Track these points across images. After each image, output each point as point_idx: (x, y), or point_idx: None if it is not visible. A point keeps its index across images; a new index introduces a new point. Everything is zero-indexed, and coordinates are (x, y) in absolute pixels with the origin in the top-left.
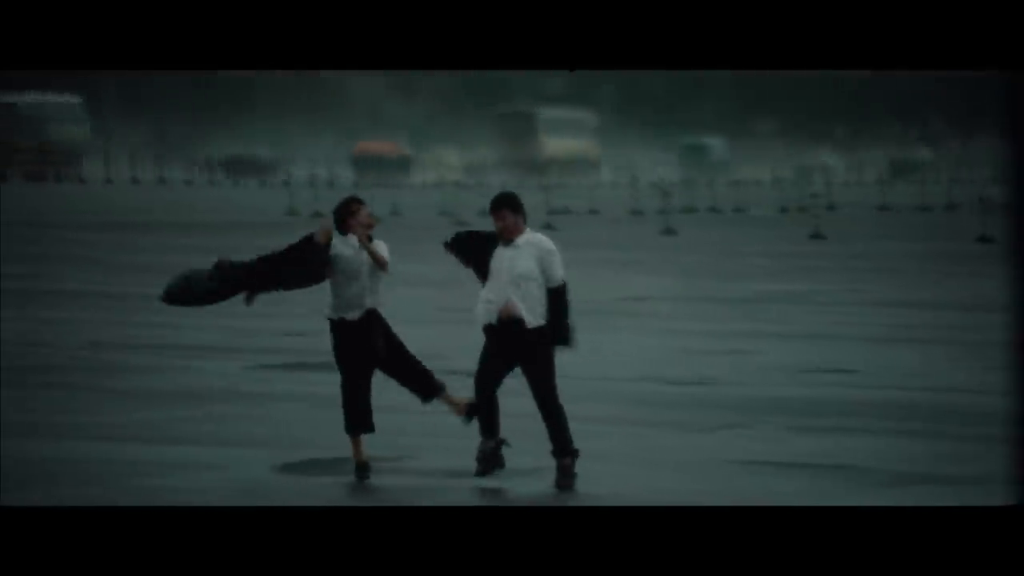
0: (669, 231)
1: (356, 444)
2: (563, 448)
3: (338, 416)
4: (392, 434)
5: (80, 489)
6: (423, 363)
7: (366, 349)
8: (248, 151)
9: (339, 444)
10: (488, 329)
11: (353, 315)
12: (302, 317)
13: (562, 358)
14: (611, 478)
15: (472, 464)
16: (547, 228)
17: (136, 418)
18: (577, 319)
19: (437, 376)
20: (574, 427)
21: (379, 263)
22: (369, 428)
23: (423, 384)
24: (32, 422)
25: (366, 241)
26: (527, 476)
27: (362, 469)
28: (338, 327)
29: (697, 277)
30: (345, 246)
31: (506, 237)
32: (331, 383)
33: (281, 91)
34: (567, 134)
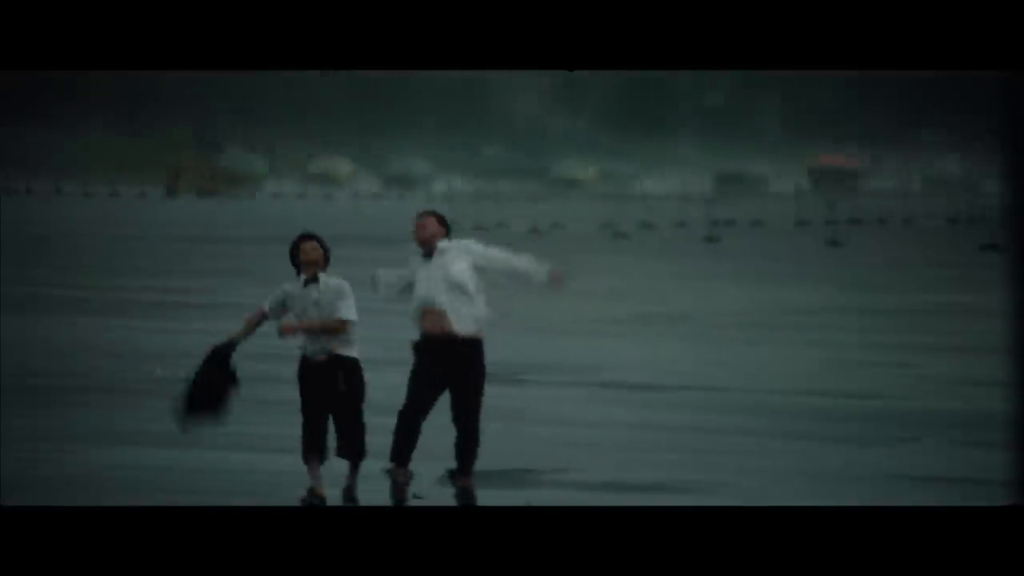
0: (834, 242)
1: (311, 474)
2: (468, 469)
3: (502, 430)
4: (553, 445)
5: (225, 498)
6: (363, 429)
7: (324, 393)
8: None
9: (502, 457)
10: (422, 345)
11: (315, 356)
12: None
13: (721, 373)
14: (774, 493)
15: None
16: (709, 240)
17: (278, 430)
18: (738, 331)
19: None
20: (736, 440)
21: (303, 327)
22: (318, 456)
23: (349, 446)
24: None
25: (309, 275)
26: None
27: (314, 497)
28: (301, 363)
29: (861, 288)
30: (295, 284)
31: (427, 246)
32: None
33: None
34: None
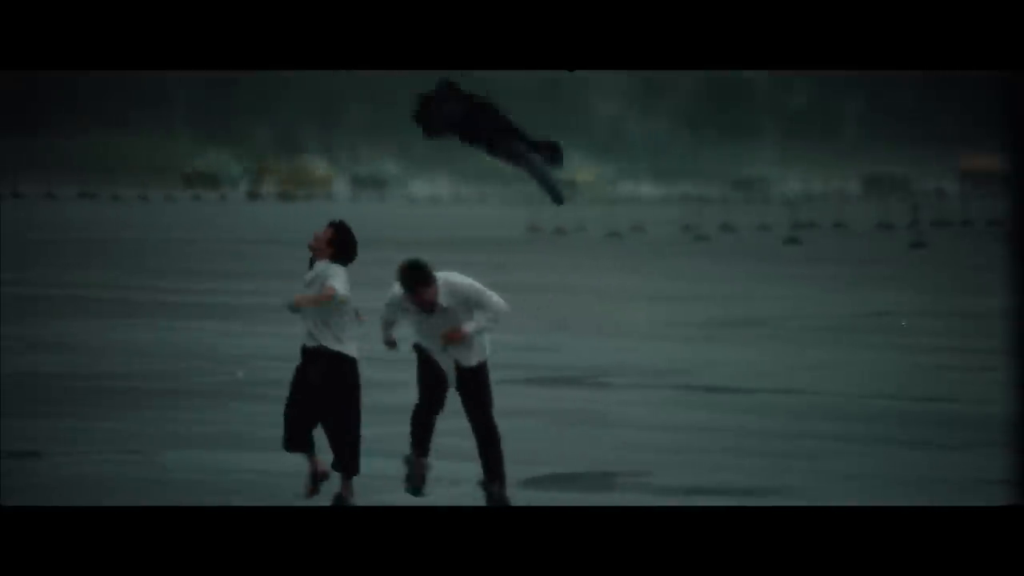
0: (918, 244)
1: (309, 460)
2: (497, 472)
3: (582, 433)
4: (630, 449)
5: (315, 500)
6: (356, 438)
7: (305, 383)
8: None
9: (583, 460)
10: (433, 368)
11: (308, 341)
12: (542, 332)
13: (799, 376)
14: (849, 497)
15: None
16: (791, 243)
17: (374, 431)
18: (816, 335)
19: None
20: (813, 444)
21: (297, 302)
22: (303, 449)
23: (341, 457)
24: (261, 436)
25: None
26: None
27: (316, 479)
28: (301, 352)
29: (945, 291)
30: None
31: (427, 307)
32: (573, 399)
33: None
34: None
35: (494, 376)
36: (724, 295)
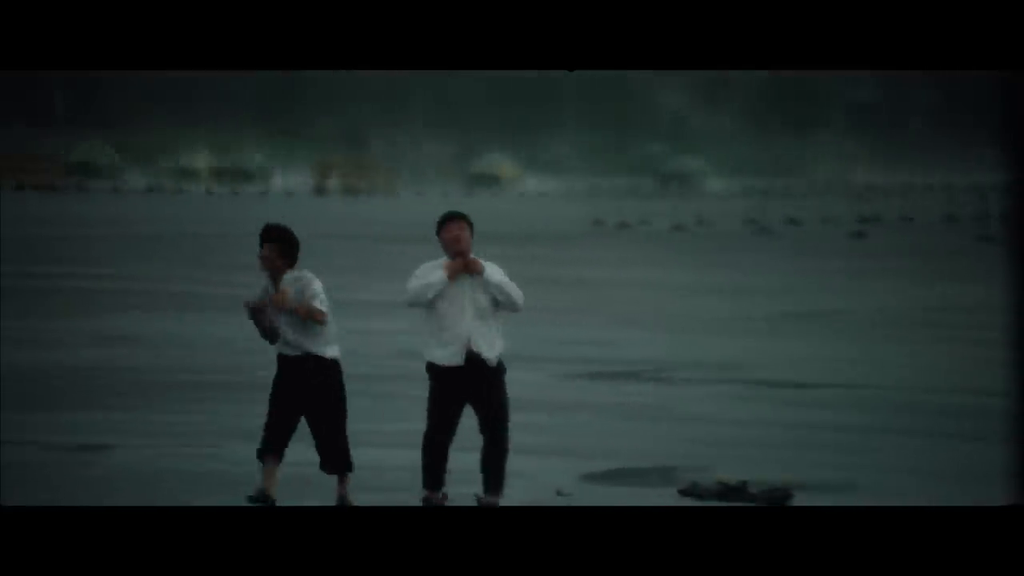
0: (986, 237)
1: (266, 471)
2: (498, 486)
3: (645, 428)
4: (694, 443)
5: (385, 495)
6: (345, 439)
7: (295, 393)
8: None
9: (645, 455)
10: (446, 371)
11: (290, 352)
12: (606, 326)
13: (863, 371)
14: (914, 492)
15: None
16: (857, 237)
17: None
18: (881, 329)
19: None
20: (877, 439)
21: (279, 306)
22: (275, 456)
23: (331, 457)
24: None
25: (265, 272)
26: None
27: (263, 498)
28: (278, 360)
29: (1012, 285)
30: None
31: (459, 250)
32: (635, 393)
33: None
34: None
35: (558, 370)
36: (787, 288)
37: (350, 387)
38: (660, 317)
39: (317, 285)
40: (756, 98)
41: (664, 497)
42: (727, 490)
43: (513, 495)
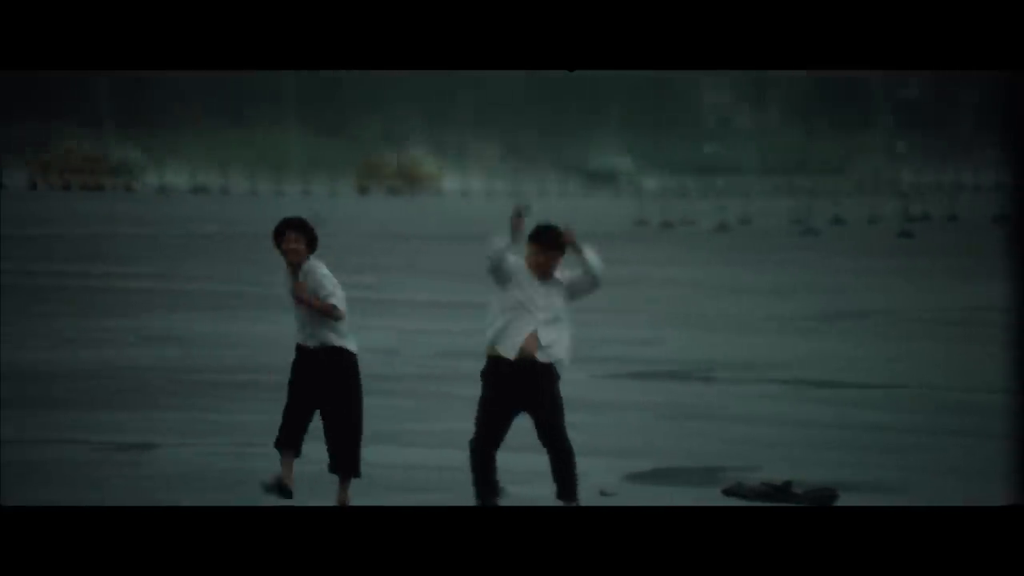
0: None
1: (283, 463)
2: (572, 491)
3: (689, 427)
4: (738, 443)
5: (428, 495)
6: (357, 438)
7: (311, 385)
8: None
9: (689, 455)
10: (497, 371)
11: (307, 342)
12: (650, 325)
13: (909, 370)
14: (959, 492)
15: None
16: (905, 236)
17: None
18: (927, 328)
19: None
20: (920, 438)
21: (299, 297)
22: (292, 448)
23: (340, 457)
24: (381, 430)
25: (289, 269)
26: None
27: (280, 488)
28: (297, 350)
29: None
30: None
31: (543, 270)
32: (678, 393)
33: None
34: None
35: (601, 370)
36: (832, 288)
37: (392, 387)
38: (705, 317)
39: (323, 270)
40: (801, 97)
41: (708, 497)
42: (771, 490)
43: (544, 497)
